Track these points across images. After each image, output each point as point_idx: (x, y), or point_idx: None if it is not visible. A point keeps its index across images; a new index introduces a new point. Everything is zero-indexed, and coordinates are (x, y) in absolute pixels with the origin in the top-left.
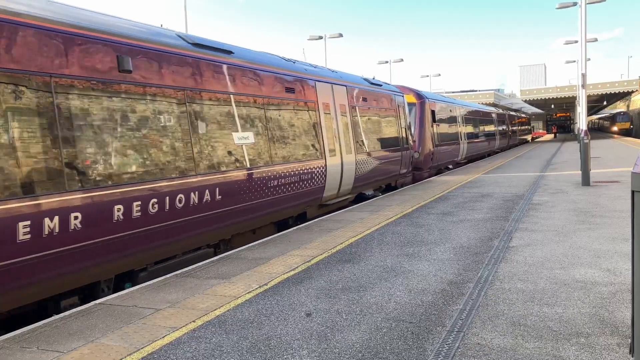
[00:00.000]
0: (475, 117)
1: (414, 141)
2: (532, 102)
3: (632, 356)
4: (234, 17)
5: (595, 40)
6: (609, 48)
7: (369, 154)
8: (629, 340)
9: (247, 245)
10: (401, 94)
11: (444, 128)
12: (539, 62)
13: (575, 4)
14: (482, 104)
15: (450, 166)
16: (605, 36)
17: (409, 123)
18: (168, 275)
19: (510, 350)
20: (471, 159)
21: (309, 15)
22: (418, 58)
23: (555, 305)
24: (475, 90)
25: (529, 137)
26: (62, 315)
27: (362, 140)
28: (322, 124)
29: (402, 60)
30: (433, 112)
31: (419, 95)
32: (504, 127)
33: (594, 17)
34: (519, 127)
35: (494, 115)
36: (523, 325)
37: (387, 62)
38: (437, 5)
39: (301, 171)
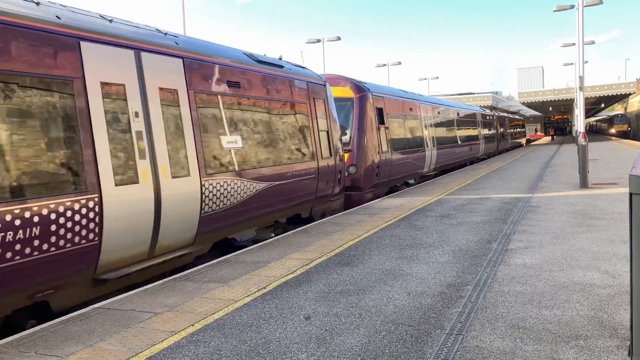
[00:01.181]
0: (450, 118)
1: (349, 150)
2: (530, 105)
3: (631, 358)
4: (232, 18)
5: (593, 42)
6: (606, 50)
7: (238, 173)
8: (628, 343)
9: (245, 249)
10: (322, 83)
11: (400, 132)
12: (537, 64)
13: (572, 6)
14: (481, 106)
15: (412, 180)
16: (602, 38)
17: (349, 125)
18: (166, 279)
19: (509, 352)
20: (445, 169)
21: (308, 18)
22: (416, 61)
23: (554, 308)
24: (473, 93)
25: (523, 141)
26: (60, 319)
27: (224, 149)
28: (92, 120)
29: (400, 63)
30: (380, 110)
31: (358, 87)
32: (492, 130)
33: (592, 19)
34: (512, 130)
35: (478, 116)
36: (522, 327)
37: (385, 65)
38: (436, 9)
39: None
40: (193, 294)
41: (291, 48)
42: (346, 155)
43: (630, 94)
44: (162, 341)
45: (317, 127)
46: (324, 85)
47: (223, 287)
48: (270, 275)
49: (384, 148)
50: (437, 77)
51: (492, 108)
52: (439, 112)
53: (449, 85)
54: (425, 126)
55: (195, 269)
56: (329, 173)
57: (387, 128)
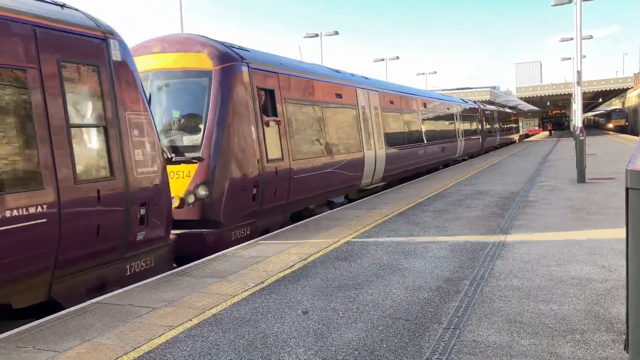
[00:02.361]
0: (412, 110)
1: (197, 159)
2: (528, 100)
3: (627, 352)
4: (230, 13)
5: (591, 37)
6: (604, 45)
7: None
8: (624, 337)
9: (243, 244)
10: (90, 33)
11: (310, 127)
12: (535, 59)
13: (570, 1)
14: (479, 101)
15: (342, 198)
16: (600, 33)
17: (203, 116)
18: (164, 274)
19: (506, 347)
20: (406, 176)
21: (305, 13)
22: (414, 57)
23: (550, 302)
24: (471, 88)
25: (515, 137)
26: (58, 314)
27: None
28: None
29: (397, 57)
30: (270, 93)
31: (223, 55)
32: (474, 125)
33: (590, 14)
34: (501, 125)
35: (454, 108)
36: (519, 322)
37: (382, 59)
38: (433, 4)
39: None
40: (191, 289)
41: (289, 43)
42: (193, 168)
43: (627, 89)
44: (160, 336)
45: (65, 118)
46: (103, 41)
47: (221, 282)
48: (268, 270)
49: (274, 153)
50: (435, 72)
51: (489, 103)
52: (391, 102)
53: (447, 80)
54: (366, 119)
55: (192, 263)
56: (87, 214)
57: (278, 122)
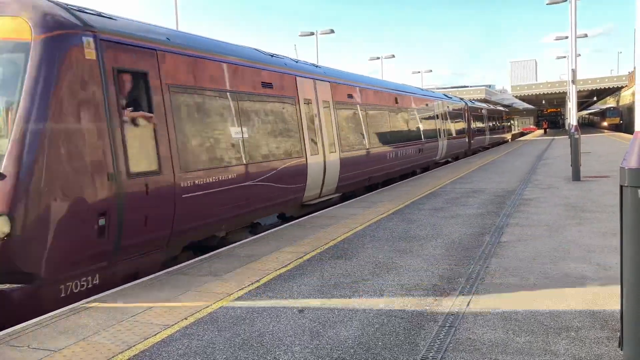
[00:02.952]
0: (379, 106)
1: None
2: (523, 98)
3: (622, 349)
4: (224, 11)
5: (586, 36)
6: (599, 43)
7: None
8: (618, 334)
9: (239, 242)
10: None
11: (217, 125)
12: (530, 57)
13: None
14: (474, 100)
15: (268, 221)
16: (595, 31)
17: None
18: (159, 273)
19: (501, 344)
20: (372, 184)
21: (301, 11)
22: (410, 55)
23: (545, 300)
24: (467, 86)
25: (508, 136)
26: (52, 313)
27: None
28: None
29: (393, 56)
30: (136, 77)
31: (49, 19)
32: (461, 124)
33: (585, 12)
34: (492, 124)
35: (436, 106)
36: (514, 319)
37: (378, 58)
38: (429, 3)
39: None
40: (186, 288)
41: (284, 41)
42: None
43: (622, 87)
44: (155, 334)
45: None
46: None
47: (216, 281)
48: (264, 269)
49: (141, 164)
50: (431, 71)
51: (484, 101)
52: (349, 95)
53: (442, 79)
54: (311, 116)
55: (188, 262)
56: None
57: (152, 119)
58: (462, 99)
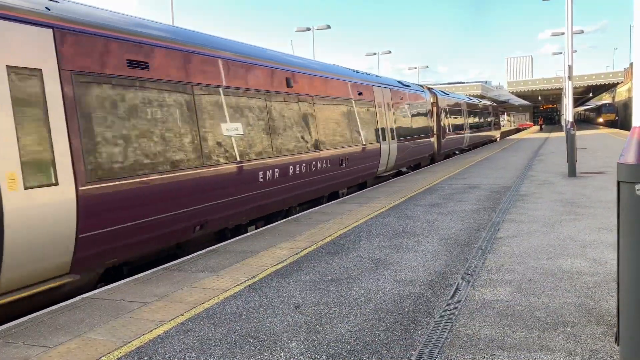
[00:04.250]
0: (243, 91)
1: None
2: (519, 94)
3: (618, 345)
4: (220, 7)
5: (582, 32)
6: (595, 39)
7: None
8: (615, 330)
9: (235, 238)
10: None
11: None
12: (526, 54)
13: None
14: (471, 96)
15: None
16: (591, 27)
17: None
18: (155, 269)
19: (497, 340)
20: (285, 207)
21: (297, 7)
22: (407, 51)
23: (541, 296)
24: (463, 82)
25: (495, 135)
26: (48, 309)
27: None
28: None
29: (390, 52)
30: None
31: None
32: (424, 121)
33: (581, 9)
34: (474, 121)
35: (374, 93)
36: (510, 315)
37: (375, 53)
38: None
39: None
40: (182, 284)
41: (280, 37)
42: None
43: (618, 84)
44: (151, 331)
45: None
46: None
47: (212, 277)
48: (260, 265)
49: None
50: (427, 67)
51: (481, 97)
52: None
53: (438, 75)
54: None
55: (184, 258)
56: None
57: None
58: (430, 88)
